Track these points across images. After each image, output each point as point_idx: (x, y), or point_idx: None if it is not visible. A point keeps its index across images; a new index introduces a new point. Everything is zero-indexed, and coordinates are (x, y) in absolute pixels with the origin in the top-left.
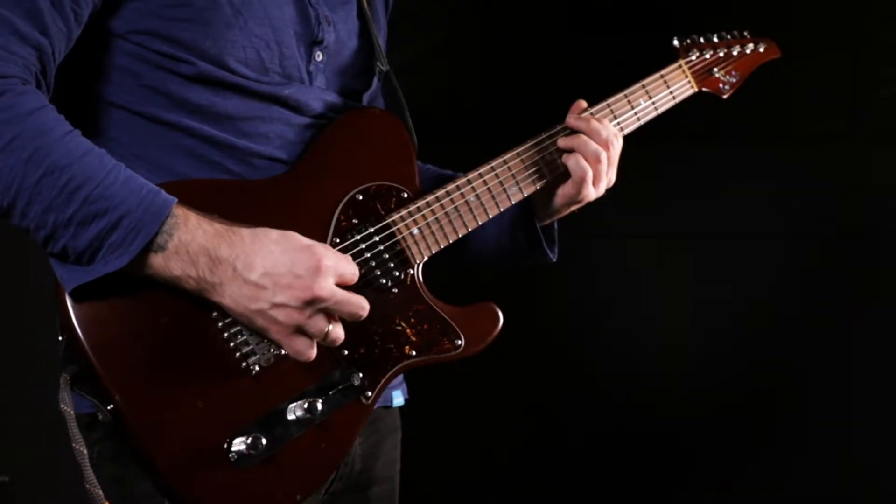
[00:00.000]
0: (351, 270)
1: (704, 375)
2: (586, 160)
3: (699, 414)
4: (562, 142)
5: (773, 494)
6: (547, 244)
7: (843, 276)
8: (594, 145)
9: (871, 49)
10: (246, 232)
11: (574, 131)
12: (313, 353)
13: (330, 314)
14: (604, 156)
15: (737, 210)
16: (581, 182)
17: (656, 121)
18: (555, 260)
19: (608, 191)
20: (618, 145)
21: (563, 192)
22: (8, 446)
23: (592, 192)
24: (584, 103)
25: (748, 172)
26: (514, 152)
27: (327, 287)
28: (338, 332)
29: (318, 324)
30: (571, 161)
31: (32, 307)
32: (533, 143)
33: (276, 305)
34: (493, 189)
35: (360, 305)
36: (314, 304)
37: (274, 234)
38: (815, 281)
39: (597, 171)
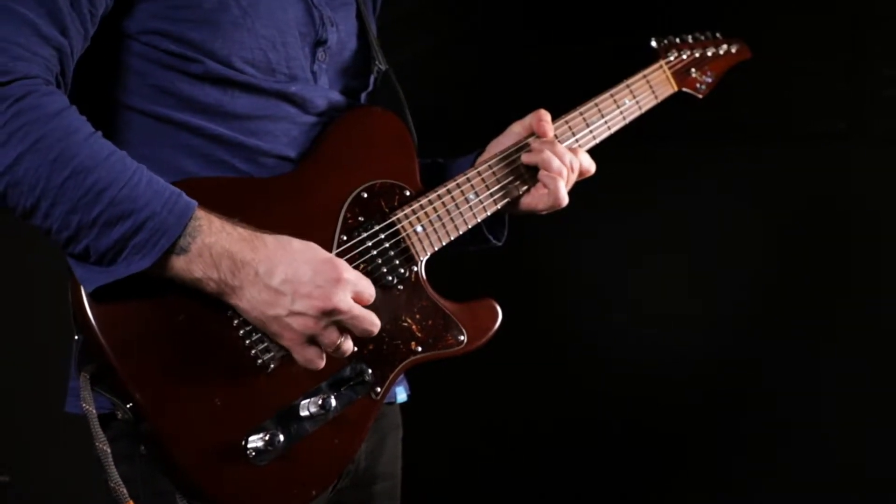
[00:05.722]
0: (369, 290)
1: (701, 372)
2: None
3: (694, 410)
4: (525, 157)
5: (766, 487)
6: (490, 232)
7: (843, 276)
8: (557, 161)
9: (871, 49)
10: (269, 238)
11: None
12: (322, 362)
13: (342, 327)
14: (565, 171)
15: (736, 210)
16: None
17: (655, 120)
18: (500, 244)
19: (612, 189)
20: (574, 159)
21: (527, 201)
22: (8, 446)
23: (562, 201)
24: (545, 114)
25: (748, 172)
26: (505, 154)
27: (345, 300)
28: (348, 345)
29: (331, 335)
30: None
31: (32, 308)
32: (514, 149)
33: (293, 313)
34: (490, 186)
35: (373, 322)
36: (331, 316)
37: (297, 243)
38: (814, 280)
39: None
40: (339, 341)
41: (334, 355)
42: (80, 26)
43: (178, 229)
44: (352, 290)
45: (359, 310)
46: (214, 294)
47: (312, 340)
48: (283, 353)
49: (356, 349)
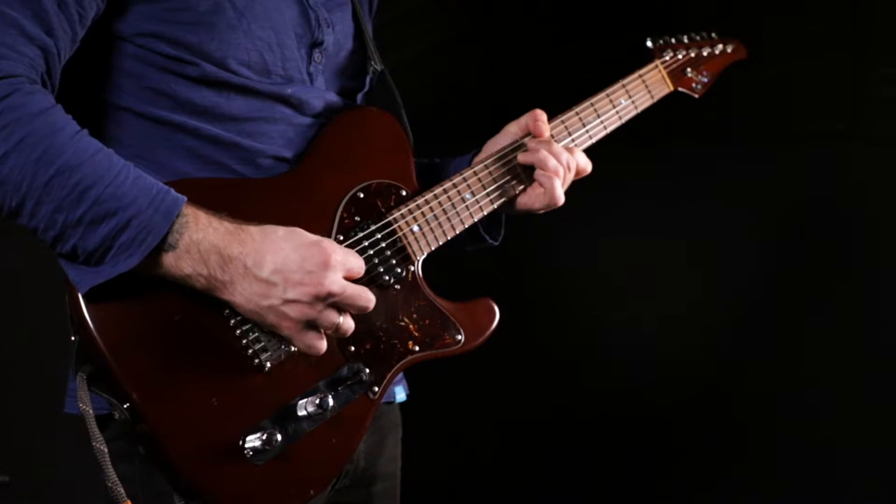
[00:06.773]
0: (358, 264)
1: (700, 372)
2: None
3: (694, 410)
4: (522, 157)
5: (765, 487)
6: (487, 232)
7: (843, 277)
8: (553, 161)
9: (871, 49)
10: (255, 229)
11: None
12: (324, 345)
13: (339, 307)
14: (561, 170)
15: (736, 210)
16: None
17: (652, 120)
18: (497, 244)
19: (608, 189)
20: (570, 158)
21: (523, 201)
22: (8, 446)
23: (558, 200)
24: (541, 114)
25: (747, 172)
26: (501, 154)
27: (337, 282)
28: (349, 323)
29: (330, 317)
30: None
31: (32, 307)
32: (510, 148)
33: (287, 301)
34: (486, 185)
35: (368, 299)
36: (325, 300)
37: (281, 230)
38: (813, 281)
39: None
40: (338, 321)
41: (336, 336)
42: (67, 27)
43: (165, 227)
44: (342, 269)
45: (352, 289)
46: (204, 290)
47: (311, 325)
48: (279, 351)
49: (353, 348)
